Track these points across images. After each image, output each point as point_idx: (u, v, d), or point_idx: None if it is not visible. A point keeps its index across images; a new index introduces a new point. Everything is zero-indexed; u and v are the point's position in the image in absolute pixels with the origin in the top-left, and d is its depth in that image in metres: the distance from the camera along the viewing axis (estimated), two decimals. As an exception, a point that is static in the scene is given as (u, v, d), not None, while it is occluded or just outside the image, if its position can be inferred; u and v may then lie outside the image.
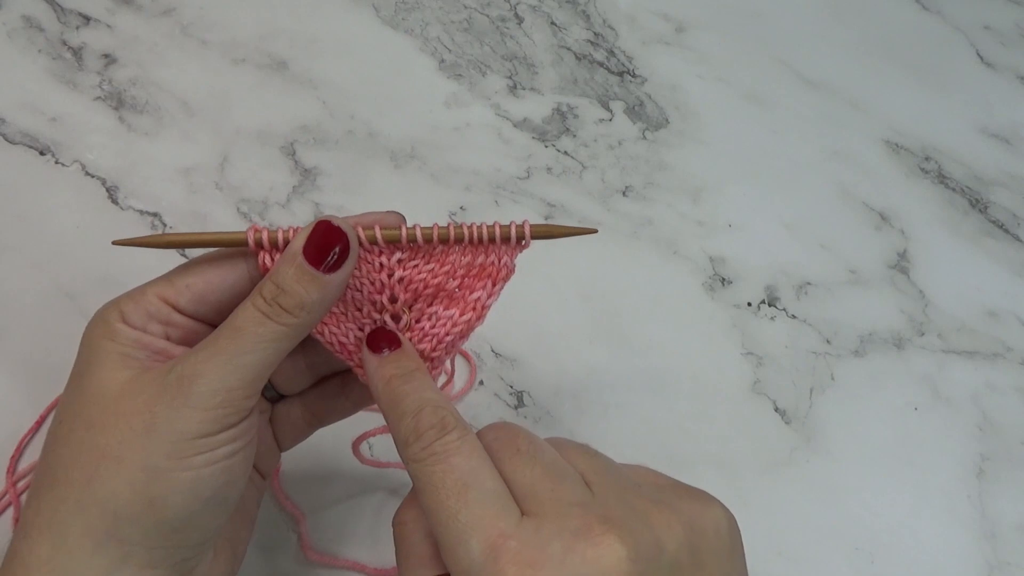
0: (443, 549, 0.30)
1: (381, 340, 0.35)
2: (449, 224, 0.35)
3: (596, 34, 0.72)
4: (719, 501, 0.33)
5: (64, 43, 0.62)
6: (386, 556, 0.46)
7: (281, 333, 0.32)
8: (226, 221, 0.56)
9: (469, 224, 0.35)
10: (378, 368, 0.35)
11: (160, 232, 0.55)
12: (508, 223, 0.36)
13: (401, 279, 0.36)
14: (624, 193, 0.62)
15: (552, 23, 0.71)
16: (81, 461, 0.32)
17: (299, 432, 0.41)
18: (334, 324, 0.37)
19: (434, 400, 0.33)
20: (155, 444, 0.31)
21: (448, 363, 0.44)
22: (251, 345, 0.32)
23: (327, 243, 0.33)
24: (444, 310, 0.37)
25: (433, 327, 0.37)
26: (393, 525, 0.34)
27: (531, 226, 0.36)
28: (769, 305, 0.59)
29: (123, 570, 0.31)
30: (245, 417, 0.33)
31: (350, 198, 0.58)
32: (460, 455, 0.31)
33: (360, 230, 0.35)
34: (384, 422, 0.37)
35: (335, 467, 0.48)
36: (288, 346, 0.33)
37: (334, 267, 0.33)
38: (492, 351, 0.54)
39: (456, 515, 0.29)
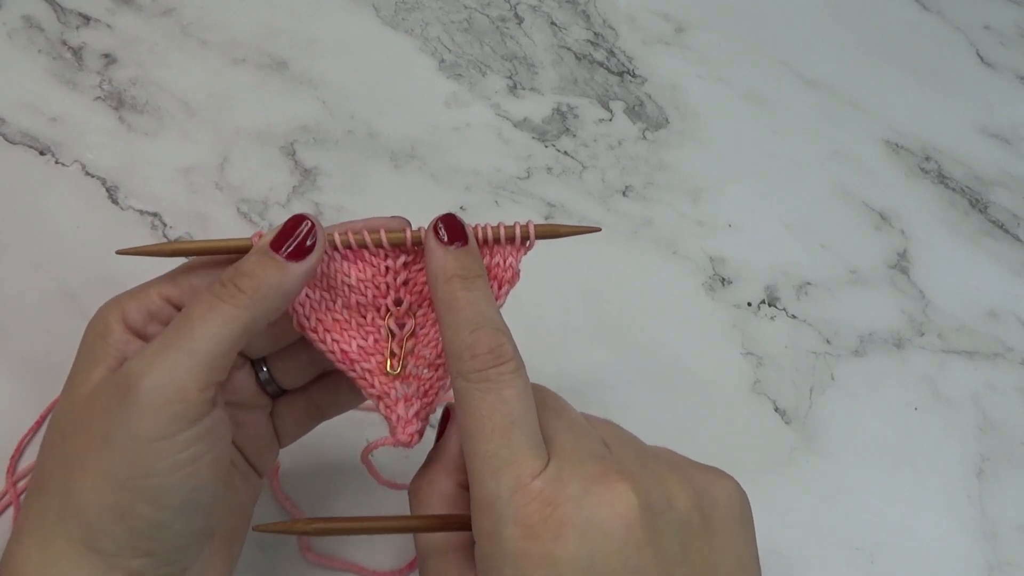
0: (473, 475, 0.31)
1: (449, 228, 0.34)
2: None
3: (596, 34, 0.72)
4: (732, 477, 0.34)
5: (64, 43, 0.62)
6: (384, 558, 0.46)
7: (231, 315, 0.31)
8: (226, 221, 0.56)
9: (473, 225, 0.35)
10: (442, 261, 0.34)
11: (161, 233, 0.55)
12: (512, 224, 0.36)
13: (407, 281, 0.36)
14: (624, 193, 0.62)
15: (552, 23, 0.71)
16: (58, 470, 0.32)
17: (301, 426, 0.40)
18: (337, 331, 0.36)
19: (494, 321, 0.33)
20: (114, 451, 0.30)
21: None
22: (200, 331, 0.31)
23: (294, 235, 0.33)
24: None
25: (437, 332, 0.37)
26: (409, 492, 0.35)
27: (535, 226, 0.36)
28: (769, 305, 0.59)
29: None
30: (205, 413, 0.31)
31: (350, 198, 0.58)
32: (513, 390, 0.31)
33: (366, 234, 0.35)
34: (388, 433, 0.37)
35: (335, 467, 0.48)
36: (241, 332, 0.31)
37: (298, 255, 0.33)
38: (492, 351, 0.54)
39: (498, 451, 0.30)
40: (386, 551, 0.46)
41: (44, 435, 0.33)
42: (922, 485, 0.53)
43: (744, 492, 0.34)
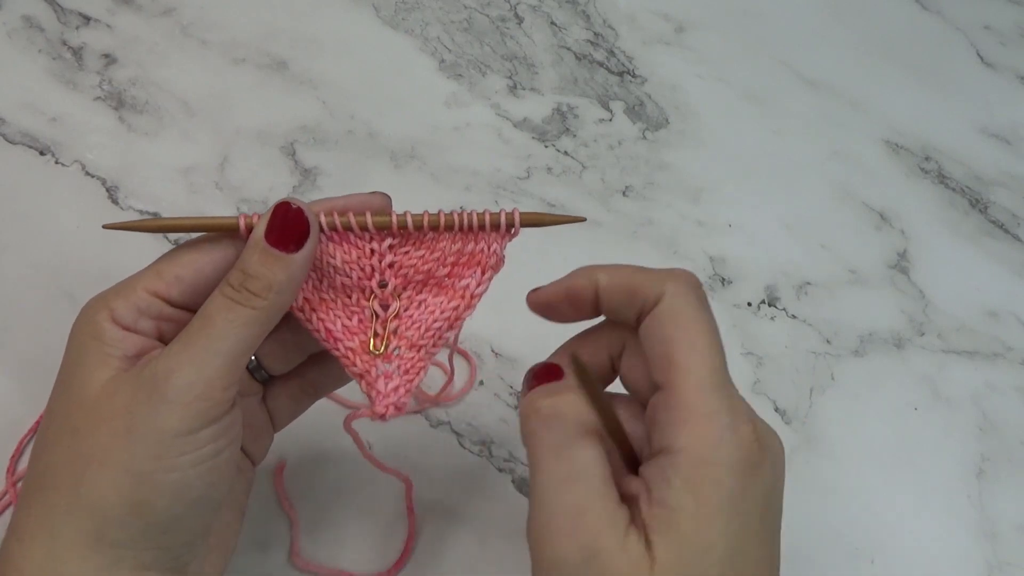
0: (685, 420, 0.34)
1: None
2: (439, 211, 0.36)
3: (596, 34, 0.72)
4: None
5: (64, 43, 0.62)
6: (383, 561, 0.46)
7: (251, 317, 0.32)
8: (226, 221, 0.56)
9: (459, 211, 0.36)
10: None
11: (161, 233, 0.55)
12: (497, 211, 0.36)
13: (392, 264, 0.37)
14: (624, 193, 0.62)
15: (552, 23, 0.71)
16: (68, 466, 0.32)
17: (296, 407, 0.41)
18: (323, 311, 0.37)
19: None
20: (138, 446, 0.31)
21: (447, 363, 0.44)
22: (223, 332, 0.32)
23: (286, 224, 0.33)
24: (433, 297, 0.37)
25: (422, 314, 0.37)
26: (525, 415, 0.34)
27: (520, 214, 0.36)
28: (769, 305, 0.59)
29: (116, 573, 0.31)
30: (227, 411, 0.33)
31: (350, 198, 0.58)
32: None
33: (352, 216, 0.35)
34: (368, 402, 0.37)
35: (335, 467, 0.48)
36: (261, 331, 0.33)
37: (296, 246, 0.33)
38: (492, 351, 0.54)
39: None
40: (373, 557, 0.46)
41: (41, 434, 0.34)
42: (922, 485, 0.53)
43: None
